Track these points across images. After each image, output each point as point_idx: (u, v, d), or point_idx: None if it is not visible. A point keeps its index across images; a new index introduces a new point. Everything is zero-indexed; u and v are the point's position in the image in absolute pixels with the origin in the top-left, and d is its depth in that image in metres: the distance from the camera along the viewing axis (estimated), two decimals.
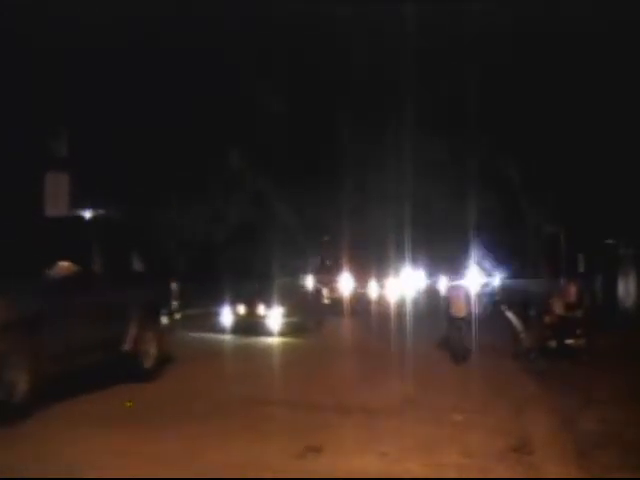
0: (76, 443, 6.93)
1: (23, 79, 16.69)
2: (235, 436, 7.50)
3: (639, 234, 20.59)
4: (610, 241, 23.51)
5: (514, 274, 34.03)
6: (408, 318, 19.82)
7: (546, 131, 24.03)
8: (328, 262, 26.84)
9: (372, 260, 30.46)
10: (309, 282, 23.21)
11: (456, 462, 6.87)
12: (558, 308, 14.57)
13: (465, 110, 23.32)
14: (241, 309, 17.46)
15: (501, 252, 39.50)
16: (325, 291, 23.60)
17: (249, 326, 17.12)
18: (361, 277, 28.37)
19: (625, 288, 22.48)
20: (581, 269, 25.65)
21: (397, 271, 34.86)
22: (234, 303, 17.53)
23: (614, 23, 17.17)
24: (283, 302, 17.29)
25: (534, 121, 23.93)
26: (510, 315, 14.80)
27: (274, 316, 17.17)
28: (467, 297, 14.41)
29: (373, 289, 30.76)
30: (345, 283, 25.96)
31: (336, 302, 24.22)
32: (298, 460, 6.72)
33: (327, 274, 25.52)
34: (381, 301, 29.83)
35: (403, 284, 35.86)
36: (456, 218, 28.12)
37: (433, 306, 29.20)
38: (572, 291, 14.83)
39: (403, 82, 23.78)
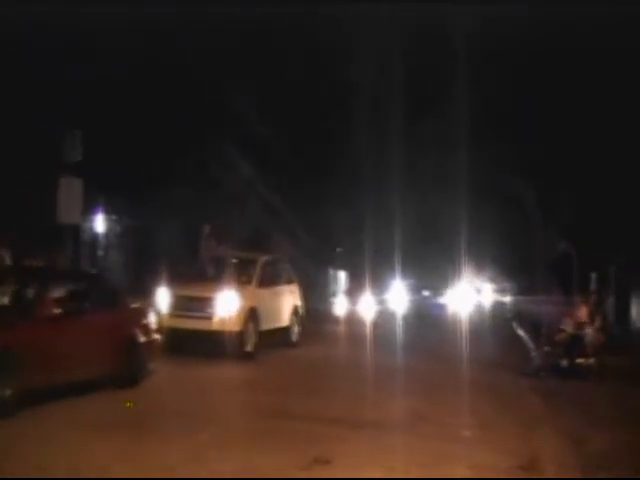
0: None
1: (37, 83, 16.82)
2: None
3: None
4: (623, 261, 23.37)
5: (526, 291, 33.88)
6: (380, 354, 15.44)
7: (560, 146, 23.94)
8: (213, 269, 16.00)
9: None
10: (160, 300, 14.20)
11: (463, 478, 6.84)
12: (569, 327, 14.49)
13: (474, 123, 23.22)
14: None
15: (513, 269, 39.49)
16: (166, 317, 13.69)
17: None
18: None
19: (638, 309, 22.34)
20: (593, 288, 25.54)
21: (381, 285, 33.06)
22: None
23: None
24: None
25: (548, 134, 23.83)
26: (521, 332, 14.72)
27: None
28: None
29: (340, 306, 26.40)
30: (228, 302, 13.99)
31: (216, 335, 13.81)
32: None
33: (202, 287, 14.60)
34: (349, 322, 24.45)
35: (388, 299, 33.83)
36: (465, 234, 27.86)
37: (429, 326, 26.42)
38: (584, 310, 14.77)
39: (407, 94, 23.64)
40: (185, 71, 19.97)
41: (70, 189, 15.21)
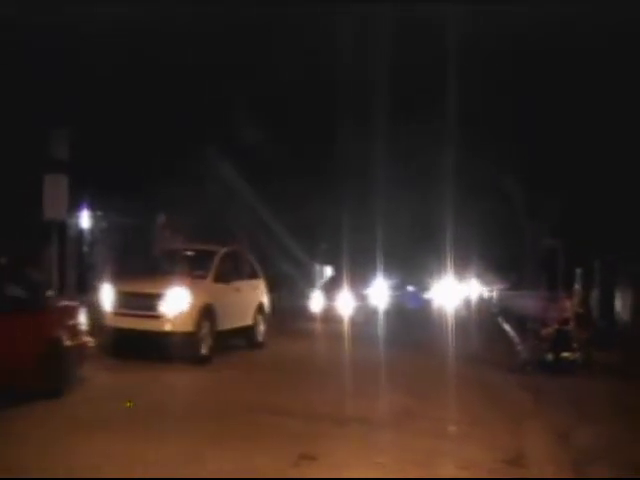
0: None
1: (24, 80, 16.70)
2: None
3: (638, 250, 20.57)
4: (609, 257, 23.52)
5: (512, 286, 34.12)
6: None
7: (550, 145, 23.99)
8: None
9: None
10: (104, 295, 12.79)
11: (452, 474, 6.86)
12: (555, 321, 14.58)
13: (463, 120, 23.21)
14: None
15: (499, 265, 39.73)
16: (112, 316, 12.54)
17: None
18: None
19: (623, 304, 22.49)
20: (578, 284, 25.73)
21: (364, 281, 32.69)
22: None
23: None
24: None
25: (538, 133, 23.87)
26: (507, 327, 14.80)
27: None
28: None
29: (317, 302, 25.35)
30: (177, 298, 12.44)
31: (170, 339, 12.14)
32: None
33: (149, 283, 12.95)
34: (325, 319, 23.00)
35: (370, 294, 33.61)
36: (453, 231, 27.91)
37: (411, 321, 26.08)
38: (569, 305, 14.87)
39: (397, 93, 23.56)
40: (185, 71, 19.85)
41: (55, 185, 15.13)
